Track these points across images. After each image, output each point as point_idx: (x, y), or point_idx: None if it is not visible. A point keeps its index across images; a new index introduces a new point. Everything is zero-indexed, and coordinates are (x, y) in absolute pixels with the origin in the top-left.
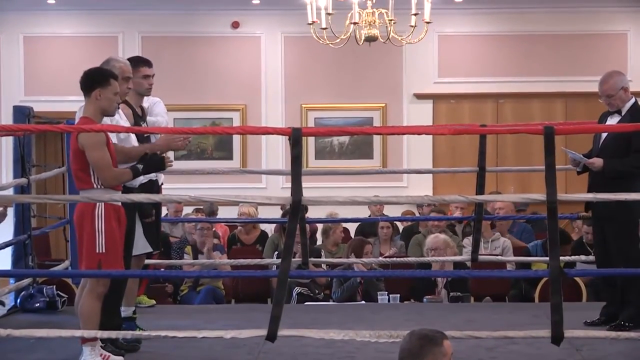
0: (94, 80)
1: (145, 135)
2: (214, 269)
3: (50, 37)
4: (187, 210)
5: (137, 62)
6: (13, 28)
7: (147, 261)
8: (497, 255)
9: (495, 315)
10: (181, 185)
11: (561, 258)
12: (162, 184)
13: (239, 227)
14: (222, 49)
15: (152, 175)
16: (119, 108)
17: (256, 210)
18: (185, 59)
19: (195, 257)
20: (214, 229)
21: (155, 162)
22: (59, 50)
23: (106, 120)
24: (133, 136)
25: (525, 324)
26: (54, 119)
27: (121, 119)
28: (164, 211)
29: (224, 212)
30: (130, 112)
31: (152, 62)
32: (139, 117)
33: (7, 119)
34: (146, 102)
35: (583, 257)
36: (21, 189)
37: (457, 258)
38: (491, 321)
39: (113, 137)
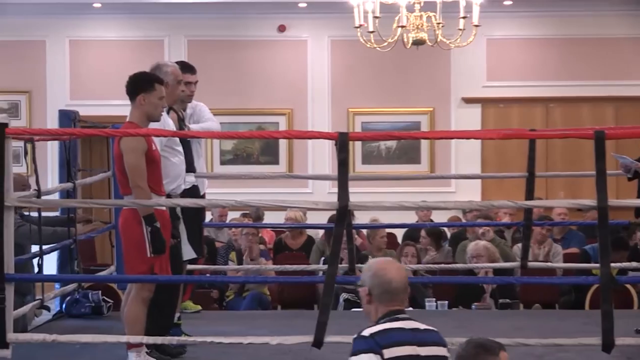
0: (139, 86)
1: (187, 140)
2: (259, 274)
3: (96, 41)
4: (233, 215)
5: (180, 68)
6: (59, 32)
7: (192, 267)
8: (548, 262)
9: (544, 322)
10: (227, 190)
11: (613, 265)
12: (203, 193)
13: (286, 232)
14: (269, 53)
15: (194, 180)
16: (169, 113)
17: (304, 215)
18: (232, 63)
19: (240, 263)
20: (259, 235)
21: (156, 239)
22: (105, 54)
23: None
24: (178, 140)
25: (575, 331)
26: (99, 123)
27: (167, 124)
28: (209, 216)
29: (270, 218)
30: (175, 116)
31: (196, 67)
32: (182, 120)
33: (53, 123)
34: (190, 107)
35: (634, 264)
36: (67, 194)
37: (506, 265)
38: (540, 329)
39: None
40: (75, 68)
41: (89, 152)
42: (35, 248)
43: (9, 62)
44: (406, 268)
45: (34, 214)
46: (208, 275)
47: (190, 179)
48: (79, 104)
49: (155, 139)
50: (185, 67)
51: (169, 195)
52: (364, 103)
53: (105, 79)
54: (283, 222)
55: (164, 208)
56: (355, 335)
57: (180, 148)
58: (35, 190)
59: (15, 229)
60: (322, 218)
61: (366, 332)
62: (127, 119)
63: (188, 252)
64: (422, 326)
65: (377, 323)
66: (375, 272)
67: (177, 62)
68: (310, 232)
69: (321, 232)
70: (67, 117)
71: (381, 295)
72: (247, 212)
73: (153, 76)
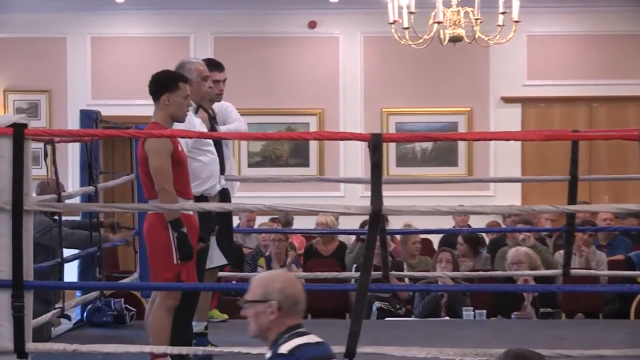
0: (162, 85)
1: (218, 140)
2: None
3: (119, 38)
4: (262, 219)
5: (207, 65)
6: (80, 29)
7: (219, 274)
8: (591, 269)
9: (587, 332)
10: (255, 194)
11: None
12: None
13: (317, 238)
14: (298, 50)
15: (224, 183)
16: (197, 112)
17: (336, 220)
18: (260, 61)
19: (269, 269)
20: (289, 240)
21: (183, 244)
22: (128, 51)
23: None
24: (210, 140)
25: (619, 342)
26: (122, 124)
27: (192, 124)
28: (236, 221)
29: (300, 223)
30: (205, 116)
31: (224, 65)
32: (213, 119)
33: (74, 124)
34: (216, 107)
35: None
36: (88, 197)
37: (547, 272)
38: (583, 339)
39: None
40: (97, 66)
41: (111, 154)
42: (68, 252)
43: (28, 61)
44: (443, 275)
45: (66, 218)
46: (235, 282)
47: (221, 182)
48: (101, 104)
49: (181, 140)
50: (213, 65)
51: (203, 197)
52: (398, 103)
53: (128, 78)
54: (314, 228)
55: (191, 212)
56: (270, 355)
57: (210, 147)
58: (54, 191)
59: (44, 233)
60: (355, 223)
61: (284, 350)
62: (152, 120)
63: (218, 258)
64: (319, 339)
65: (280, 338)
66: (283, 285)
67: (204, 60)
68: (342, 237)
69: (354, 237)
70: (89, 118)
71: (290, 309)
72: (276, 216)
73: (177, 74)
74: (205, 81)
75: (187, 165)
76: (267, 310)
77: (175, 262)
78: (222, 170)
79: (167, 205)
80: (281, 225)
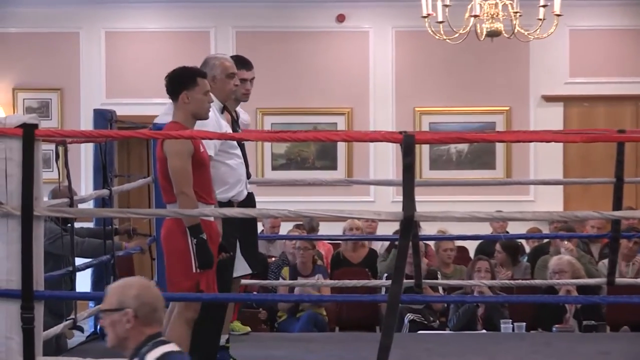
0: (179, 82)
1: (241, 143)
2: (315, 292)
3: (135, 33)
4: (287, 226)
5: (234, 62)
6: (94, 23)
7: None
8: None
9: (633, 346)
10: (279, 198)
11: None
12: None
13: (345, 245)
14: (326, 46)
15: (249, 188)
16: (223, 112)
17: (372, 223)
18: (284, 57)
19: (294, 279)
20: (316, 248)
21: (203, 252)
22: (145, 47)
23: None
24: (235, 142)
25: None
26: (138, 124)
27: (220, 126)
28: (259, 227)
29: (326, 229)
30: (229, 117)
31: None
32: (235, 122)
33: (87, 124)
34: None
35: None
36: (102, 202)
37: (590, 281)
38: (629, 354)
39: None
40: (112, 63)
41: (126, 156)
42: (80, 261)
43: (39, 57)
44: (480, 285)
45: (79, 224)
46: (256, 293)
47: (247, 186)
48: (116, 103)
49: (209, 142)
50: (240, 62)
51: (230, 204)
52: (432, 101)
53: (144, 75)
54: (341, 234)
55: (211, 218)
56: None
57: (237, 151)
58: (67, 198)
59: (56, 239)
60: (387, 229)
61: (152, 358)
62: (171, 119)
63: (242, 267)
64: (177, 348)
65: (143, 347)
66: (139, 292)
67: (230, 57)
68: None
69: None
70: (103, 117)
71: (148, 317)
72: (301, 222)
73: (194, 70)
74: (230, 79)
75: (209, 167)
76: (122, 319)
77: (194, 270)
78: (248, 174)
79: (185, 210)
80: (306, 232)
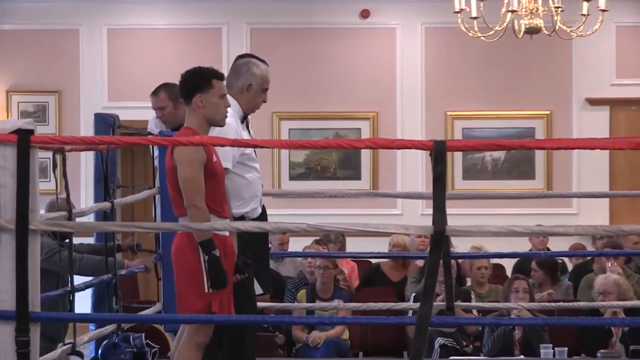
0: (193, 84)
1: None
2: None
3: (140, 30)
4: (303, 241)
5: None
6: (95, 19)
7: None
8: None
9: None
10: (296, 211)
11: None
12: None
13: (386, 260)
14: (348, 44)
15: (263, 200)
16: (244, 122)
17: (411, 241)
18: (303, 56)
19: (312, 301)
20: (338, 267)
21: (215, 270)
22: (150, 45)
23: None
24: (253, 154)
25: None
26: (143, 130)
27: (241, 136)
28: None
29: (350, 245)
30: (246, 124)
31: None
32: (247, 131)
33: (88, 130)
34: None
35: None
36: (103, 215)
37: (638, 303)
38: None
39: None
40: (115, 63)
41: (130, 164)
42: (79, 280)
43: (35, 56)
44: (517, 306)
45: (78, 240)
46: (273, 315)
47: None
48: (119, 107)
49: (226, 153)
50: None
51: (242, 219)
52: (466, 105)
53: (150, 76)
54: (363, 251)
55: (226, 233)
56: None
57: (256, 164)
58: (66, 211)
59: (51, 255)
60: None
61: None
62: (185, 124)
63: (255, 287)
64: None
65: None
66: None
67: (239, 56)
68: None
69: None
70: (105, 122)
71: None
72: (319, 237)
73: (209, 71)
74: (264, 93)
75: (223, 179)
76: None
77: (206, 290)
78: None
79: (194, 223)
80: (327, 249)
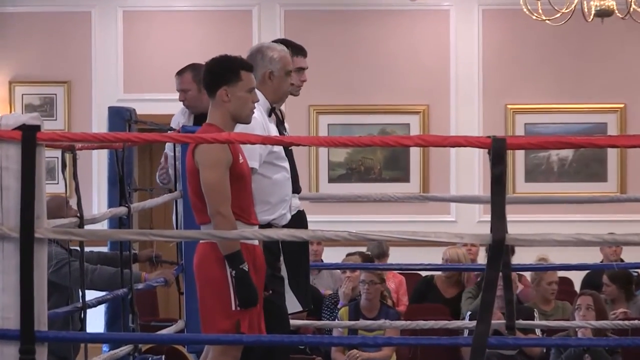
0: (218, 76)
1: (289, 149)
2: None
3: (160, 13)
4: (338, 251)
5: (286, 47)
6: (109, 1)
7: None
8: None
9: None
10: (336, 217)
11: None
12: None
13: (440, 274)
14: (395, 28)
15: (300, 204)
16: (271, 115)
17: (467, 253)
18: (343, 42)
19: (355, 320)
20: (385, 282)
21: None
22: (171, 30)
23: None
24: (282, 152)
25: None
26: (164, 125)
27: (268, 132)
28: None
29: (397, 255)
30: (273, 118)
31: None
32: (280, 123)
33: (101, 125)
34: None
35: None
36: (119, 222)
37: None
38: None
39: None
40: (131, 49)
41: (149, 164)
42: (91, 295)
43: (42, 42)
44: (586, 326)
45: (89, 248)
46: (310, 335)
47: (296, 202)
48: (136, 99)
49: (253, 151)
50: (295, 48)
51: (268, 227)
52: (528, 97)
53: (171, 65)
54: (413, 263)
55: (255, 242)
56: None
57: (286, 164)
58: (76, 216)
59: (61, 267)
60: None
61: None
62: (207, 120)
63: (291, 304)
64: None
65: None
66: None
67: (281, 40)
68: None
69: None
70: (120, 117)
71: None
72: (361, 247)
73: (237, 61)
74: (289, 77)
75: (250, 182)
76: None
77: (233, 308)
78: (297, 188)
79: (222, 232)
80: (365, 260)
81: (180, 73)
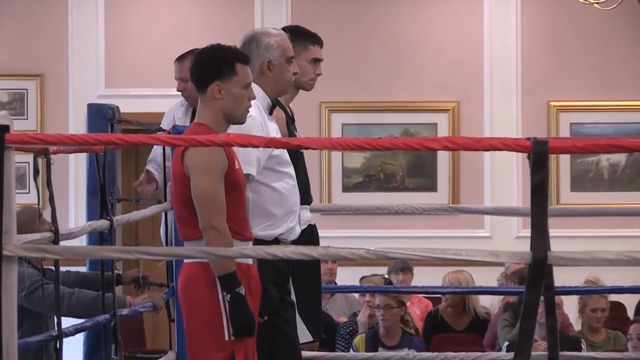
0: (210, 69)
1: (298, 153)
2: None
3: None
4: (352, 271)
5: (299, 35)
6: None
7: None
8: None
9: None
10: (352, 232)
11: None
12: None
13: (445, 302)
14: (420, 13)
15: (311, 217)
16: (272, 112)
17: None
18: (360, 29)
19: (374, 350)
20: (406, 307)
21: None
22: (160, 15)
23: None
24: (286, 155)
25: None
26: (151, 125)
27: (267, 131)
28: None
29: (422, 276)
30: (283, 116)
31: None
32: (291, 122)
33: (79, 125)
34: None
35: None
36: (100, 237)
37: None
38: None
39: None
40: (114, 38)
41: (134, 170)
42: (68, 322)
43: (10, 30)
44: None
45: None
46: None
47: (306, 214)
48: (120, 95)
49: (249, 155)
50: (310, 36)
51: (275, 243)
52: (574, 93)
53: (160, 56)
54: (441, 285)
55: (250, 261)
56: None
57: (290, 169)
58: (51, 231)
59: (33, 291)
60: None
61: None
62: (195, 119)
63: (300, 333)
64: None
65: None
66: None
67: (291, 27)
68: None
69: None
70: (101, 115)
71: None
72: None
73: (232, 52)
74: (290, 64)
75: (244, 190)
76: None
77: (227, 338)
78: (308, 198)
79: (219, 249)
80: (395, 281)
81: (180, 59)
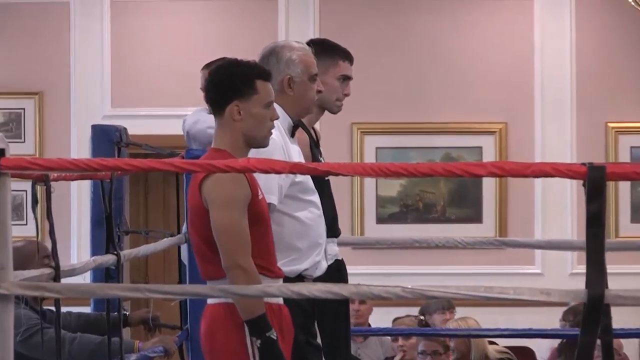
0: (227, 88)
1: (327, 177)
2: None
3: (157, 3)
4: (398, 312)
5: (328, 49)
6: None
7: None
8: None
9: None
10: (386, 269)
11: None
12: None
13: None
14: (463, 23)
15: (338, 251)
16: (294, 131)
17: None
18: (395, 40)
19: None
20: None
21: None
22: (173, 25)
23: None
24: (310, 182)
25: None
26: (163, 149)
27: (289, 154)
28: None
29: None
30: (306, 138)
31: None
32: (316, 146)
33: (82, 149)
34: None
35: None
36: (105, 273)
37: None
38: None
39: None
40: (121, 51)
41: (143, 199)
42: None
43: (7, 43)
44: None
45: (67, 309)
46: None
47: (333, 248)
48: (128, 115)
49: (270, 182)
50: (340, 52)
51: (299, 280)
52: (634, 114)
53: (172, 71)
54: (487, 328)
55: (281, 301)
56: None
57: (314, 197)
58: (51, 267)
59: (31, 335)
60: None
61: None
62: (212, 144)
63: None
64: None
65: None
66: None
67: (316, 40)
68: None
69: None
70: (107, 138)
71: None
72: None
73: (252, 68)
74: (313, 82)
75: (269, 222)
76: None
77: None
78: (335, 231)
79: (240, 287)
80: (435, 323)
81: (207, 67)
